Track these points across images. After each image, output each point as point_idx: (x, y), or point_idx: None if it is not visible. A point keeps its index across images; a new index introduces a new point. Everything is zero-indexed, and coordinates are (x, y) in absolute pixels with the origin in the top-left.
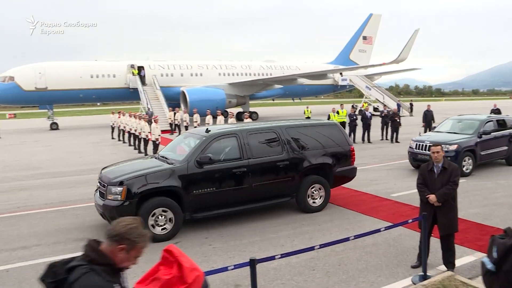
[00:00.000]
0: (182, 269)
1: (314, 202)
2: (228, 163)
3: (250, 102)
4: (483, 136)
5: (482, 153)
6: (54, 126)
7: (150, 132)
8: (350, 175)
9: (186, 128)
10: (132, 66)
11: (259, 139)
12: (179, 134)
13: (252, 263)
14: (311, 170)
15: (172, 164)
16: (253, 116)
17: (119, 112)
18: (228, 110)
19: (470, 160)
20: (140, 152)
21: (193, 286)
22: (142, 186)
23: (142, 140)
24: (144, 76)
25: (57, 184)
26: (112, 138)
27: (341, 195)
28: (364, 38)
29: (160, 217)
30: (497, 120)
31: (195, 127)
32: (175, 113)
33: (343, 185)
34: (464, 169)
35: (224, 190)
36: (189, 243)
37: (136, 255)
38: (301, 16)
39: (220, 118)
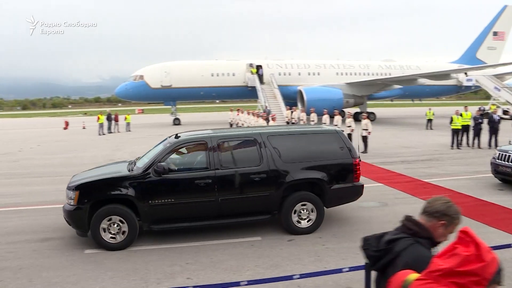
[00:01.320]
0: (480, 249)
1: (299, 222)
2: (190, 173)
3: (368, 102)
4: None
5: None
6: (176, 122)
7: None
8: (352, 194)
9: None
10: (251, 65)
11: (233, 148)
12: None
13: (367, 267)
14: (299, 185)
15: (132, 171)
16: (371, 116)
17: (237, 110)
18: (346, 110)
19: None
20: None
21: (490, 265)
22: (93, 193)
23: None
24: (262, 74)
25: None
26: None
27: (462, 204)
28: (495, 33)
29: (113, 225)
30: None
31: None
32: (292, 112)
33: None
34: None
35: (185, 202)
36: (302, 241)
37: (451, 231)
38: (423, 12)
39: (338, 118)
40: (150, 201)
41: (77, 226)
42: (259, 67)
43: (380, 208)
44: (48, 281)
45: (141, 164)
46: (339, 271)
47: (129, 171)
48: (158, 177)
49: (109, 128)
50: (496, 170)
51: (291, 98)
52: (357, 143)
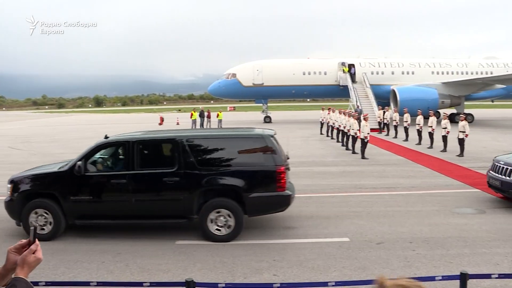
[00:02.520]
0: None
1: (218, 230)
2: (107, 172)
3: (466, 103)
4: None
5: None
6: (267, 119)
7: (359, 130)
8: (276, 204)
9: (395, 127)
10: (343, 64)
11: (151, 150)
12: (388, 133)
13: (463, 278)
14: (218, 191)
15: (61, 168)
16: (468, 118)
17: (329, 109)
18: (441, 111)
19: None
20: (347, 149)
21: None
22: (23, 186)
23: (350, 137)
24: (354, 73)
25: None
26: (321, 133)
27: None
28: None
29: (40, 217)
30: None
31: (406, 127)
32: (384, 112)
33: None
34: None
35: (103, 200)
36: (391, 245)
37: None
38: None
39: (432, 119)
40: (71, 197)
41: (12, 217)
42: (351, 65)
43: (477, 216)
44: (142, 267)
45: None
46: (431, 279)
47: (60, 168)
48: (78, 175)
49: (202, 124)
50: (488, 181)
51: (384, 98)
52: (452, 146)
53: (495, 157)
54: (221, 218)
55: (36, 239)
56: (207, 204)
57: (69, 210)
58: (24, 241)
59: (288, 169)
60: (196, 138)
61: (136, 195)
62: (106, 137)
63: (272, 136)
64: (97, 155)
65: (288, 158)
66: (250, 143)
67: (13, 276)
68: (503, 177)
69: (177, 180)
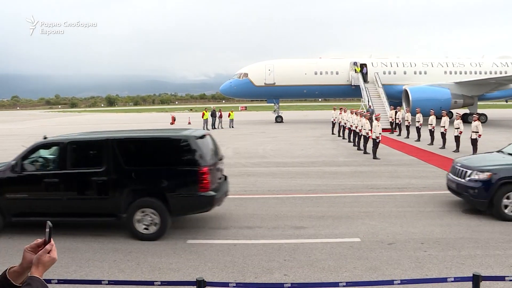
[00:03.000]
0: None
1: (146, 229)
2: (41, 172)
3: (479, 103)
4: None
5: None
6: (279, 119)
7: (371, 130)
8: (199, 204)
9: (407, 128)
10: (355, 64)
11: (82, 151)
12: (400, 133)
13: (476, 279)
14: (143, 191)
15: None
16: (482, 118)
17: (340, 109)
18: (454, 111)
19: None
20: (359, 149)
21: None
22: None
23: (362, 137)
24: (366, 73)
25: (279, 173)
26: (333, 133)
27: None
28: None
29: None
30: None
31: (418, 127)
32: (396, 112)
33: None
34: (507, 210)
35: (37, 198)
36: (403, 246)
37: None
38: None
39: (445, 119)
40: (7, 195)
41: None
42: (363, 65)
43: (490, 217)
44: (153, 266)
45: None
46: (443, 280)
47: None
48: (14, 174)
49: (213, 124)
50: (447, 184)
51: (396, 98)
52: (465, 146)
53: (455, 159)
54: (147, 217)
55: (51, 239)
56: (133, 203)
57: (5, 207)
58: (39, 240)
59: (218, 170)
60: (125, 139)
61: (68, 194)
62: (44, 138)
63: (199, 138)
64: (35, 155)
65: (221, 160)
66: (175, 144)
67: (28, 275)
68: (459, 179)
69: (105, 179)
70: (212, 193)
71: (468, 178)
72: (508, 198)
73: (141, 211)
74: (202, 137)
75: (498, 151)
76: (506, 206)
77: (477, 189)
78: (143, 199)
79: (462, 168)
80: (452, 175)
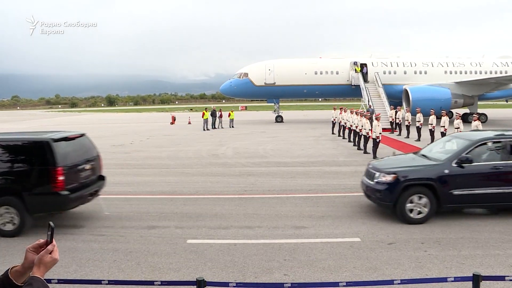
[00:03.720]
0: None
1: (5, 225)
2: None
3: (479, 103)
4: (464, 165)
5: (457, 191)
6: (279, 119)
7: (371, 130)
8: (54, 203)
9: (407, 127)
10: (355, 64)
11: None
12: (400, 133)
13: (476, 279)
14: (3, 189)
15: None
16: (482, 118)
17: (340, 108)
18: (454, 111)
19: (424, 200)
20: (359, 149)
21: None
22: None
23: (362, 137)
24: (367, 73)
25: (280, 173)
26: (333, 133)
27: None
28: None
29: None
30: None
31: (418, 127)
32: (396, 112)
33: None
34: (411, 214)
35: None
36: (403, 246)
37: None
38: None
39: (445, 119)
40: None
41: None
42: (363, 65)
43: (490, 216)
44: (153, 266)
45: None
46: (443, 280)
47: None
48: None
49: (213, 124)
50: (361, 187)
51: (396, 98)
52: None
53: (370, 161)
54: (7, 214)
55: (53, 240)
56: None
57: None
58: (41, 240)
59: (84, 169)
60: None
61: None
62: None
63: (57, 140)
64: None
65: (91, 160)
66: (32, 146)
67: (30, 275)
68: (368, 181)
69: None
70: (66, 192)
71: (376, 180)
72: (411, 202)
73: (5, 208)
74: (63, 139)
75: (414, 153)
76: (411, 210)
77: (383, 192)
78: (2, 198)
79: (372, 170)
80: (365, 178)
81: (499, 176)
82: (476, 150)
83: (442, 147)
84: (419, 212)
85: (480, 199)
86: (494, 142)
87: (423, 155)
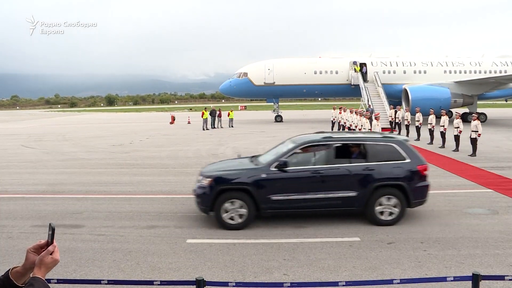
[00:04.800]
0: None
1: None
2: None
3: (479, 102)
4: (285, 169)
5: (277, 197)
6: (278, 119)
7: (370, 129)
8: None
9: (407, 127)
10: (355, 63)
11: None
12: (399, 133)
13: (475, 279)
14: None
15: None
16: (481, 117)
17: (340, 108)
18: (454, 110)
19: (240, 204)
20: None
21: None
22: None
23: None
24: (366, 72)
25: None
26: None
27: None
28: None
29: None
30: (344, 144)
31: (417, 126)
32: (396, 111)
33: None
34: (231, 221)
35: None
36: (402, 245)
37: None
38: None
39: (444, 119)
40: None
41: None
42: (363, 65)
43: (490, 216)
44: (152, 265)
45: None
46: (443, 279)
47: None
48: None
49: (213, 123)
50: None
51: (396, 97)
52: (465, 145)
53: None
54: None
55: (54, 240)
56: None
57: None
58: (42, 241)
59: None
60: None
61: None
62: None
63: None
64: None
65: None
66: None
67: (31, 275)
68: (196, 188)
69: None
70: None
71: (197, 185)
72: (227, 206)
73: None
74: None
75: (253, 156)
76: (229, 216)
77: (201, 196)
78: None
79: (201, 176)
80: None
81: (321, 180)
82: (300, 154)
83: (276, 150)
84: (237, 218)
85: (302, 204)
86: (319, 145)
87: (255, 158)
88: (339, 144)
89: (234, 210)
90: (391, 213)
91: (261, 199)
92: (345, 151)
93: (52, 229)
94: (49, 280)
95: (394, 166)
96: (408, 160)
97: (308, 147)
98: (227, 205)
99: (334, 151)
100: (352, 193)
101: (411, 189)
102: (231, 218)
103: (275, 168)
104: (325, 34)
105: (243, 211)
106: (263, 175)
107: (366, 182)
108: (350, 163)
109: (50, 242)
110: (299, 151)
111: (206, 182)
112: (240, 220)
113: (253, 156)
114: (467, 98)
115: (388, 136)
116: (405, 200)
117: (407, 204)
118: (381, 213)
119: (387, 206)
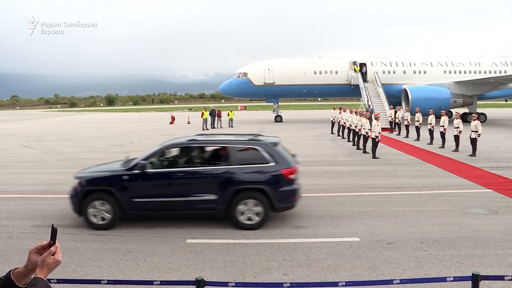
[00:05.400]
0: None
1: None
2: None
3: (479, 102)
4: (146, 171)
5: (139, 199)
6: (278, 119)
7: (370, 129)
8: None
9: (407, 127)
10: (354, 63)
11: None
12: (399, 133)
13: (475, 279)
14: None
15: None
16: (481, 117)
17: (340, 108)
18: (453, 110)
19: (107, 207)
20: (358, 148)
21: None
22: None
23: (361, 136)
24: (366, 72)
25: None
26: (332, 133)
27: None
28: None
29: None
30: (207, 147)
31: (417, 126)
32: (396, 111)
33: None
34: (95, 219)
35: None
36: (402, 245)
37: None
38: None
39: (444, 119)
40: None
41: None
42: (362, 65)
43: (489, 216)
44: (152, 265)
45: None
46: (442, 279)
47: None
48: None
49: (213, 123)
50: None
51: (395, 97)
52: (464, 145)
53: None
54: None
55: (56, 241)
56: None
57: None
58: (44, 242)
59: None
60: None
61: None
62: None
63: None
64: None
65: None
66: None
67: (32, 276)
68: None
69: None
70: None
71: (72, 186)
72: (94, 207)
73: None
74: None
75: (135, 159)
76: (94, 215)
77: (71, 197)
78: None
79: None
80: None
81: (182, 183)
82: (167, 156)
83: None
84: (103, 219)
85: (164, 206)
86: (183, 148)
87: (131, 161)
88: (202, 147)
89: (100, 211)
90: (254, 217)
91: (124, 201)
92: (208, 154)
93: (54, 230)
94: (49, 280)
95: (255, 169)
96: (272, 164)
97: (173, 150)
98: (94, 205)
99: (197, 154)
100: (212, 196)
101: (274, 193)
102: (103, 219)
103: (137, 170)
104: (325, 34)
105: (108, 214)
106: (125, 177)
107: (226, 186)
108: (212, 166)
109: (52, 243)
110: (166, 153)
111: (75, 184)
112: (105, 221)
113: (133, 159)
114: (467, 98)
115: (255, 139)
116: (268, 204)
117: (272, 208)
118: (244, 216)
119: (249, 210)
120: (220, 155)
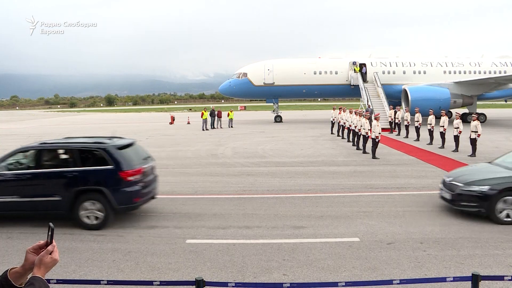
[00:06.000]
0: None
1: None
2: None
3: (478, 102)
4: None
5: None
6: (278, 119)
7: (370, 130)
8: None
9: (407, 127)
10: (354, 63)
11: None
12: (399, 133)
13: (475, 279)
14: None
15: None
16: (481, 118)
17: (340, 108)
18: (453, 110)
19: None
20: (358, 149)
21: None
22: None
23: (361, 137)
24: (366, 73)
25: (279, 173)
26: (332, 133)
27: None
28: None
29: None
30: (54, 150)
31: (417, 127)
32: (395, 112)
33: None
34: None
35: None
36: (402, 246)
37: None
38: None
39: (444, 119)
40: None
41: None
42: (362, 65)
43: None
44: (152, 266)
45: None
46: (442, 279)
47: None
48: None
49: (212, 124)
50: None
51: (395, 98)
52: (464, 146)
53: None
54: None
55: (53, 240)
56: None
57: None
58: (42, 242)
59: None
60: None
61: None
62: None
63: None
64: None
65: None
66: None
67: (30, 275)
68: None
69: None
70: None
71: None
72: None
73: None
74: None
75: None
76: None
77: None
78: None
79: None
80: None
81: (28, 185)
82: (21, 159)
83: None
84: None
85: (12, 207)
86: (34, 150)
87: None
88: (50, 150)
89: None
90: (96, 218)
91: None
92: (55, 156)
93: (51, 229)
94: (48, 280)
95: (95, 171)
96: (111, 166)
97: (26, 152)
98: None
99: (46, 157)
100: (57, 198)
101: (112, 194)
102: None
103: None
104: (324, 34)
105: None
106: None
107: (68, 187)
108: (57, 168)
109: (49, 242)
110: (17, 156)
111: None
112: None
113: None
114: (467, 98)
115: (99, 142)
116: (108, 204)
117: (112, 209)
118: (88, 217)
119: (91, 210)
120: (66, 158)
